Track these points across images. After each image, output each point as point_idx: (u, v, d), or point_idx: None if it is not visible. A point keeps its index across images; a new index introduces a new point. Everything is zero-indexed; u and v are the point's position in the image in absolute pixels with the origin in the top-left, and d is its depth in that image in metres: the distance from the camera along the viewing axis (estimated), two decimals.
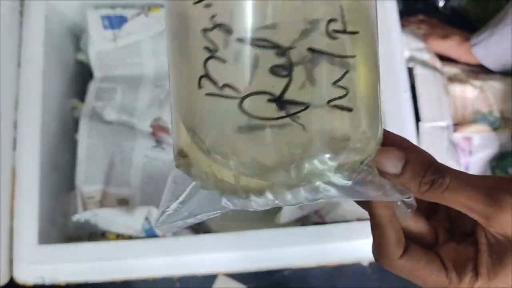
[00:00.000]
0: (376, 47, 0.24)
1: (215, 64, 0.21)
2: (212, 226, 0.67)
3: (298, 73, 0.20)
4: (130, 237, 0.62)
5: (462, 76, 0.86)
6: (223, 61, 0.21)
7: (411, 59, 0.82)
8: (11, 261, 0.60)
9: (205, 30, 0.21)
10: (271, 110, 0.20)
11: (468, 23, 0.95)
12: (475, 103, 0.84)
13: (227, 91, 0.21)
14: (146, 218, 0.58)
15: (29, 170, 0.61)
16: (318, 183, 0.22)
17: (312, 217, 0.67)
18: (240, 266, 0.61)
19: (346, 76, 0.21)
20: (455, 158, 0.81)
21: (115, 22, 0.68)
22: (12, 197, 0.61)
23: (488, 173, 0.86)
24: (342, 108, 0.21)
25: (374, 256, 0.26)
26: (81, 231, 0.63)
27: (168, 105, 0.69)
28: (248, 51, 0.20)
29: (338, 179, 0.22)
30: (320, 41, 0.21)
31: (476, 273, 0.24)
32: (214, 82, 0.21)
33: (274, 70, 0.20)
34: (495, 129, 0.84)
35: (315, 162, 0.21)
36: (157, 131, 0.69)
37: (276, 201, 0.22)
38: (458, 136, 0.84)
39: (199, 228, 0.69)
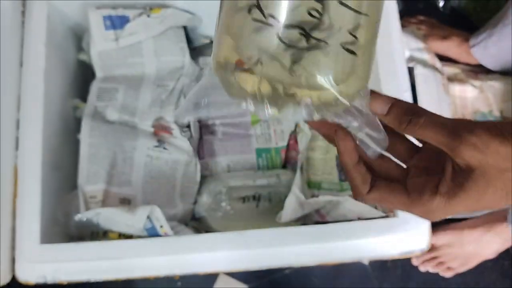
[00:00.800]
0: (379, 19, 0.30)
1: None
2: (214, 225, 0.67)
3: (326, 17, 0.27)
4: (131, 237, 0.62)
5: (462, 76, 0.86)
6: None
7: (411, 59, 0.82)
8: (13, 260, 0.60)
9: None
10: (301, 41, 0.27)
11: (468, 23, 0.96)
12: (475, 103, 0.84)
13: (270, 20, 0.27)
14: (148, 217, 0.58)
15: (31, 169, 0.61)
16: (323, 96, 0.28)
17: (314, 216, 0.67)
18: (241, 265, 0.61)
19: (358, 29, 0.28)
20: None
21: (117, 23, 0.68)
22: (14, 196, 0.61)
23: None
24: (350, 51, 0.28)
25: (353, 197, 0.33)
26: (83, 230, 0.63)
27: (169, 105, 0.69)
28: None
29: (341, 100, 0.28)
30: None
31: (436, 192, 0.29)
32: (262, 11, 0.27)
33: (310, 12, 0.27)
34: None
35: (325, 79, 0.28)
36: (159, 131, 0.69)
37: (281, 111, 0.29)
38: None
39: (200, 228, 0.70)
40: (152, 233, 0.60)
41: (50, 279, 0.59)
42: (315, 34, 0.27)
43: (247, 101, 0.29)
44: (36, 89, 0.63)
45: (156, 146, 0.68)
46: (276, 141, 0.77)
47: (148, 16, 0.68)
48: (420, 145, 0.33)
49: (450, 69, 0.86)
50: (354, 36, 0.28)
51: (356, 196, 0.32)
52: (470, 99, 0.84)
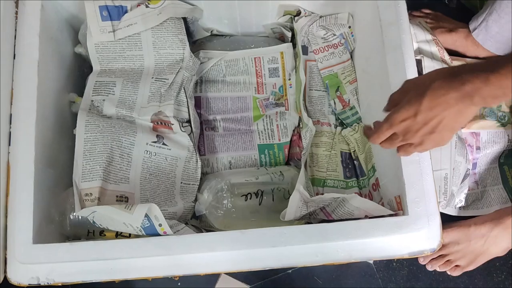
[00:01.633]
0: None
1: None
2: (215, 223, 0.64)
3: None
4: (129, 236, 0.60)
5: None
6: None
7: (419, 51, 0.80)
8: (5, 261, 0.58)
9: None
10: None
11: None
12: None
13: None
14: (146, 216, 0.56)
15: (24, 166, 0.59)
16: None
17: (319, 214, 0.65)
18: (243, 266, 0.59)
19: None
20: (463, 153, 0.79)
21: (113, 13, 0.66)
22: (6, 194, 0.59)
23: (496, 170, 0.84)
24: None
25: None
26: (79, 229, 0.61)
27: (168, 99, 0.67)
28: None
29: None
30: None
31: None
32: None
33: None
34: (503, 124, 0.82)
35: None
36: (158, 126, 0.66)
37: None
38: (465, 131, 0.83)
39: (201, 227, 0.67)
40: (151, 232, 0.57)
41: (43, 281, 0.58)
42: None
43: None
44: (30, 83, 0.61)
45: (155, 142, 0.66)
46: (279, 137, 0.75)
47: (147, 6, 0.66)
48: None
49: (458, 63, 0.84)
50: None
51: None
52: None
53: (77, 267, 0.57)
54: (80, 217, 0.60)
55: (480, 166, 0.84)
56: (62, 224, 0.61)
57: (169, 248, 0.56)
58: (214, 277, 0.81)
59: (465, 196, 0.82)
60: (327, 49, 0.78)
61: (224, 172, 0.72)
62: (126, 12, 0.66)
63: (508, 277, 0.83)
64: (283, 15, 0.76)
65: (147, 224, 0.57)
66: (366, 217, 0.60)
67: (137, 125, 0.66)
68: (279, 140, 0.75)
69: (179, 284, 0.82)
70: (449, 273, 0.79)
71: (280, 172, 0.70)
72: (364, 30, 0.73)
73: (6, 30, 0.63)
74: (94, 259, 0.56)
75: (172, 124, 0.66)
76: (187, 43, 0.69)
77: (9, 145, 0.60)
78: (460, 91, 0.49)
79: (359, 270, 0.84)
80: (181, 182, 0.67)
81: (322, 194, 0.72)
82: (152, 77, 0.68)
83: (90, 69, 0.70)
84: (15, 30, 0.64)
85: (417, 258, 0.81)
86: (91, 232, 0.62)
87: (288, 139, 0.74)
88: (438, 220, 0.57)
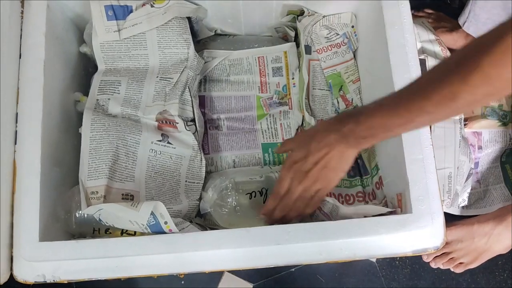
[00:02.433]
0: None
1: None
2: (219, 221, 0.65)
3: None
4: (135, 234, 0.60)
5: None
6: None
7: (423, 50, 0.80)
8: (11, 259, 0.58)
9: None
10: None
11: None
12: None
13: None
14: (152, 214, 0.56)
15: (30, 164, 0.59)
16: None
17: (319, 216, 0.65)
18: (247, 264, 0.59)
19: None
20: (466, 153, 0.79)
21: (119, 13, 0.66)
22: (12, 192, 0.60)
23: (498, 169, 0.84)
24: None
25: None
26: (85, 227, 0.61)
27: (173, 98, 0.67)
28: None
29: None
30: None
31: None
32: None
33: None
34: (505, 123, 0.83)
35: None
36: (163, 124, 0.67)
37: None
38: (467, 131, 0.83)
39: (205, 225, 0.68)
40: (156, 230, 0.58)
41: (49, 278, 0.58)
42: None
43: None
44: (36, 82, 0.62)
45: (160, 141, 0.66)
46: (283, 136, 0.76)
47: (152, 5, 0.66)
48: None
49: None
50: None
51: None
52: None
53: (83, 264, 0.57)
54: (85, 215, 0.60)
55: (482, 165, 0.84)
56: (68, 222, 0.61)
57: (174, 245, 0.56)
58: (218, 275, 0.82)
59: (468, 195, 0.83)
60: (330, 49, 0.78)
61: (229, 170, 0.72)
62: (131, 11, 0.66)
63: (510, 275, 0.83)
64: (287, 15, 0.76)
65: (153, 221, 0.57)
66: (365, 217, 0.61)
67: (142, 124, 0.66)
68: (283, 139, 0.75)
69: (183, 282, 0.82)
70: (452, 270, 0.79)
71: None
72: (367, 29, 0.73)
73: (12, 30, 0.63)
74: (100, 257, 0.56)
75: (177, 123, 0.67)
76: (192, 43, 0.70)
77: (15, 144, 0.60)
78: (338, 132, 0.53)
79: (362, 269, 0.84)
80: (186, 181, 0.68)
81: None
82: (157, 76, 0.68)
83: (95, 68, 0.70)
84: (21, 29, 0.64)
85: (420, 256, 0.82)
86: (96, 230, 0.62)
87: None
88: (441, 218, 0.57)
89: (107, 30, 0.66)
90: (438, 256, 0.79)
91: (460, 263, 0.78)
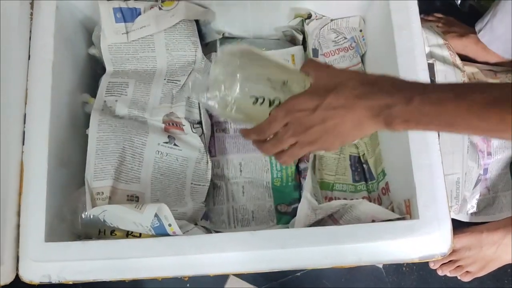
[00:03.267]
0: None
1: None
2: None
3: None
4: (140, 235, 0.61)
5: (481, 76, 0.84)
6: None
7: (431, 55, 0.80)
8: (17, 259, 0.59)
9: None
10: None
11: None
12: None
13: None
14: (156, 216, 0.56)
15: (37, 165, 0.59)
16: None
17: (327, 222, 0.65)
18: (252, 267, 0.59)
19: None
20: (475, 158, 0.79)
21: (127, 15, 0.66)
22: (19, 193, 0.60)
23: (508, 175, 0.83)
24: None
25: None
26: (90, 228, 0.62)
27: (180, 100, 0.67)
28: None
29: None
30: None
31: None
32: None
33: None
34: None
35: None
36: (169, 126, 0.67)
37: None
38: (476, 137, 0.82)
39: (210, 228, 0.68)
40: (160, 232, 0.58)
41: (54, 279, 0.58)
42: None
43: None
44: (44, 83, 0.62)
45: (166, 142, 0.66)
46: None
47: (160, 8, 0.67)
48: None
49: (469, 69, 0.84)
50: None
51: None
52: None
53: (88, 265, 0.58)
54: (91, 216, 0.60)
55: (491, 172, 0.83)
56: (74, 223, 0.61)
57: (179, 248, 0.56)
58: (223, 278, 0.82)
59: (476, 202, 0.82)
60: (337, 52, 0.78)
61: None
62: (139, 14, 0.67)
63: None
64: (294, 18, 0.76)
65: (157, 224, 0.57)
66: (373, 221, 0.60)
67: (149, 126, 0.66)
68: None
69: (188, 285, 0.82)
70: (459, 278, 0.79)
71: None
72: (375, 33, 0.73)
73: (21, 31, 0.64)
74: (105, 258, 0.57)
75: (184, 125, 0.67)
76: (199, 45, 0.70)
77: (23, 144, 0.61)
78: (372, 100, 0.43)
79: (368, 274, 0.84)
80: (192, 183, 0.68)
81: (331, 198, 0.73)
82: (164, 79, 0.69)
83: (103, 70, 0.71)
84: (30, 30, 0.64)
85: (427, 263, 0.81)
86: (102, 231, 0.62)
87: None
88: (449, 224, 0.57)
89: (116, 32, 0.67)
90: (445, 263, 0.78)
91: (467, 271, 0.77)
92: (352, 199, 0.72)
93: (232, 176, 0.73)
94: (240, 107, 0.49)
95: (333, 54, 0.78)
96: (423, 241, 0.57)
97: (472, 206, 0.81)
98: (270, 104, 0.49)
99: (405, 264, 0.83)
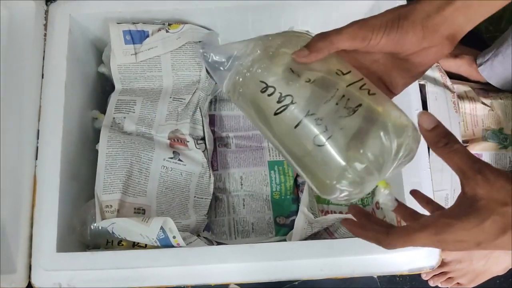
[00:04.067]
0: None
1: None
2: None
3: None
4: (145, 246, 0.64)
5: (473, 94, 0.87)
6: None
7: (422, 77, 0.83)
8: (29, 268, 0.61)
9: None
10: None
11: (481, 41, 0.96)
12: (486, 121, 0.85)
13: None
14: (161, 228, 0.59)
15: (50, 179, 0.62)
16: None
17: (322, 235, 0.68)
18: (251, 277, 0.62)
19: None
20: None
21: (136, 37, 0.70)
22: (32, 206, 0.63)
23: None
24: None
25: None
26: (99, 239, 0.64)
27: (185, 118, 0.70)
28: None
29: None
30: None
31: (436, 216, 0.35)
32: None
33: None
34: (505, 146, 0.85)
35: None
36: (175, 143, 0.70)
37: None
38: None
39: (212, 239, 0.71)
40: (165, 244, 0.61)
41: (65, 287, 0.61)
42: None
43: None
44: (57, 101, 0.65)
45: (171, 158, 0.69)
46: None
47: (167, 31, 0.70)
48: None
49: (461, 87, 0.87)
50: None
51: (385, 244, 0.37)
52: (481, 117, 0.85)
53: (97, 275, 0.61)
54: (100, 228, 0.63)
55: None
56: (83, 234, 0.64)
57: (183, 259, 0.59)
58: (224, 287, 0.84)
59: None
60: None
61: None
62: (147, 36, 0.70)
63: None
64: None
65: (162, 236, 0.60)
66: None
67: (155, 142, 0.69)
68: None
69: None
70: None
71: None
72: None
73: (36, 52, 0.67)
74: (113, 268, 0.59)
75: (188, 142, 0.70)
76: (204, 66, 0.73)
77: (36, 159, 0.64)
78: None
79: (364, 284, 0.86)
80: (195, 196, 0.71)
81: (327, 211, 0.76)
82: (170, 97, 0.72)
83: (112, 87, 0.74)
84: (44, 51, 0.67)
85: (419, 274, 0.84)
86: (109, 242, 0.65)
87: None
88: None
89: (125, 53, 0.70)
90: (437, 274, 0.81)
91: (458, 283, 0.80)
92: (347, 213, 0.75)
93: (233, 189, 0.76)
94: (246, 92, 0.42)
95: None
96: (413, 254, 0.60)
97: None
98: (278, 100, 0.40)
99: (398, 275, 0.86)
